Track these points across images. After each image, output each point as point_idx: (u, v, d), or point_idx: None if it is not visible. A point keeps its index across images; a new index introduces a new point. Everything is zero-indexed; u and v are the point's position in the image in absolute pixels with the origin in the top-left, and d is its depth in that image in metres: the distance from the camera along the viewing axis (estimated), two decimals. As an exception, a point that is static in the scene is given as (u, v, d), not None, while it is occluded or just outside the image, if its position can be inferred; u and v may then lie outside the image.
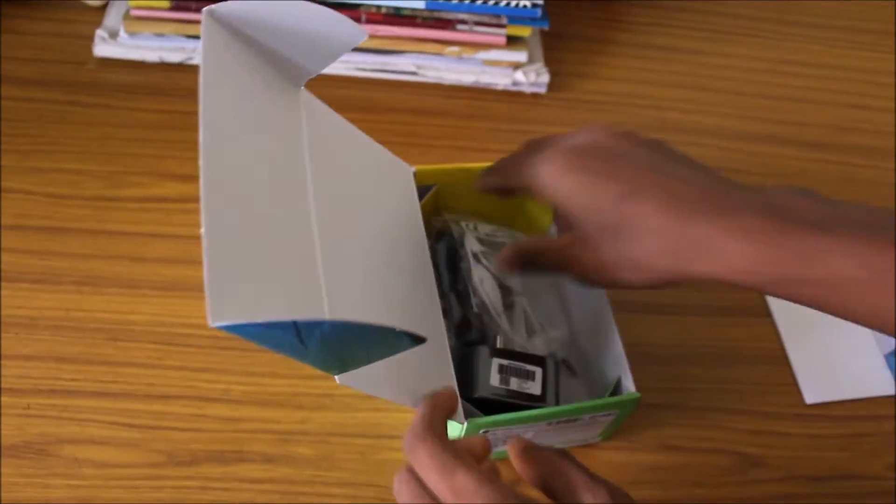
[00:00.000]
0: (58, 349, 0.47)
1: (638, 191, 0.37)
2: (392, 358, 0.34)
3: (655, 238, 0.37)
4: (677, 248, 0.36)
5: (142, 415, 0.46)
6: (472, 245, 0.47)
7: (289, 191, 0.36)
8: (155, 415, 0.46)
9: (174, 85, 0.60)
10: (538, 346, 0.46)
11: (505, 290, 0.46)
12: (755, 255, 0.35)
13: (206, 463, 0.44)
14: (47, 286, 0.49)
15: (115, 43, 0.60)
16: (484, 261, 0.46)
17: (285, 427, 0.46)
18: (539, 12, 0.61)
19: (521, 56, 0.63)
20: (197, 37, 0.60)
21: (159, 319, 0.49)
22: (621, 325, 0.45)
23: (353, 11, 0.59)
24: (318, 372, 0.48)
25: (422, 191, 0.47)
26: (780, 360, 0.53)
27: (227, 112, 0.33)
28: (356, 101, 0.62)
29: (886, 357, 0.53)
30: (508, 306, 0.46)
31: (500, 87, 0.64)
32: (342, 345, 0.31)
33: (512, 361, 0.42)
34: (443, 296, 0.46)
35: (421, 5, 0.60)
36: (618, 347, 0.44)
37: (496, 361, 0.42)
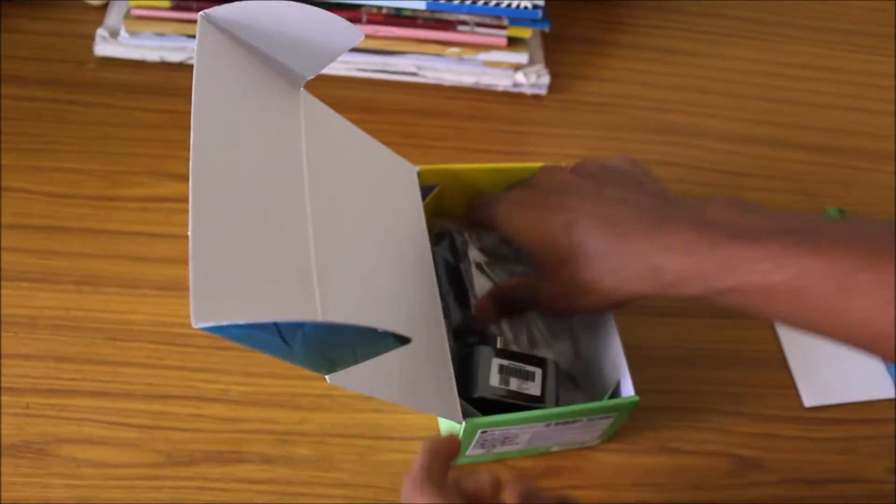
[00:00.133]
0: (57, 349, 0.47)
1: (580, 219, 0.40)
2: (391, 358, 0.34)
3: (598, 261, 0.40)
4: (617, 268, 0.39)
5: (141, 415, 0.46)
6: (474, 255, 0.47)
7: (284, 192, 0.35)
8: (154, 415, 0.46)
9: (175, 84, 0.60)
10: None
11: None
12: (685, 268, 0.37)
13: (204, 463, 0.44)
14: (47, 285, 0.49)
15: (115, 42, 0.60)
16: (487, 270, 0.46)
17: (284, 428, 0.46)
18: (540, 14, 0.61)
19: (521, 57, 0.63)
20: (198, 37, 0.60)
21: (159, 319, 0.49)
22: (621, 327, 0.45)
23: (353, 12, 0.59)
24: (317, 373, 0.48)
25: (424, 191, 0.47)
26: (779, 362, 0.53)
27: (218, 114, 0.33)
28: (356, 101, 0.62)
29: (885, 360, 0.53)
30: (515, 321, 0.46)
31: (500, 89, 0.64)
32: (328, 345, 0.31)
33: (512, 362, 0.42)
34: (442, 297, 0.46)
35: (422, 6, 0.60)
36: (618, 350, 0.44)
37: (496, 361, 0.42)
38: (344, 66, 0.62)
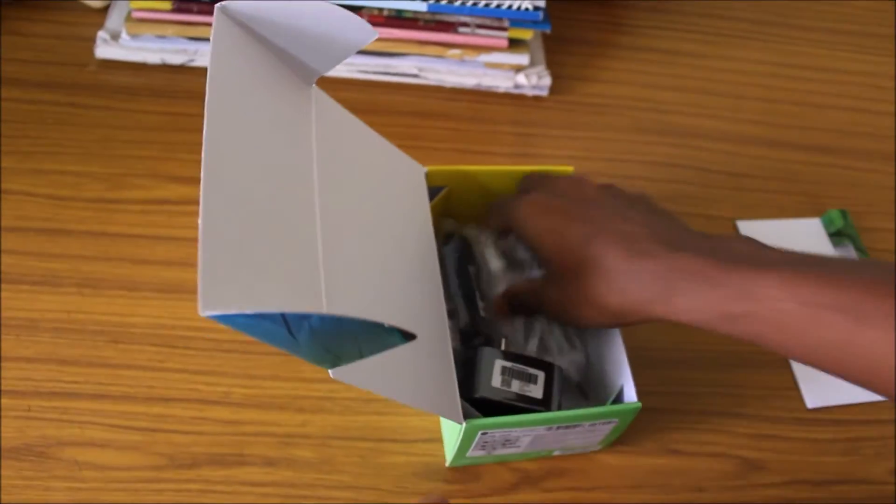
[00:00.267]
0: (58, 351, 0.47)
1: (599, 233, 0.40)
2: (394, 356, 0.34)
3: (608, 277, 0.40)
4: (627, 287, 0.39)
5: (142, 417, 0.46)
6: (492, 261, 0.47)
7: (293, 185, 0.36)
8: (156, 417, 0.46)
9: (176, 87, 0.60)
10: None
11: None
12: (699, 292, 0.38)
13: (206, 466, 0.44)
14: (48, 288, 0.49)
15: (116, 45, 0.60)
16: (502, 272, 0.47)
17: (286, 430, 0.46)
18: (541, 15, 0.61)
19: (522, 59, 0.63)
20: (199, 38, 0.60)
21: (160, 322, 0.49)
22: (624, 329, 0.45)
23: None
24: (319, 375, 0.48)
25: (432, 192, 0.47)
26: (782, 364, 0.53)
27: (231, 105, 0.33)
28: (358, 103, 0.61)
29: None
30: (528, 327, 0.46)
31: (501, 90, 0.64)
32: (333, 339, 0.31)
33: (515, 364, 0.42)
34: (450, 298, 0.46)
35: (423, 8, 0.60)
36: (621, 354, 0.44)
37: (499, 363, 0.42)
38: (345, 68, 0.62)
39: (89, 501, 0.43)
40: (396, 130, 0.61)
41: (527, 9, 0.60)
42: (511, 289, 0.46)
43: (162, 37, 0.60)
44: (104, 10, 0.63)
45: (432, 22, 0.61)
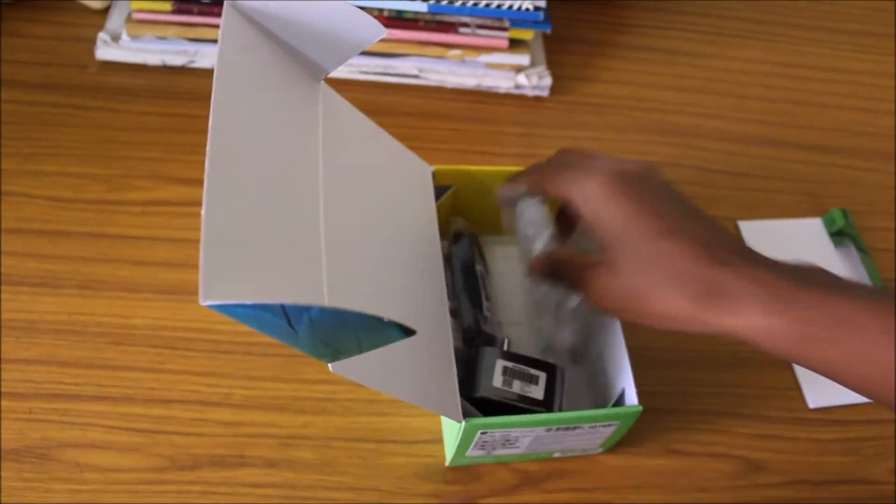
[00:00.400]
0: (59, 353, 0.47)
1: (677, 231, 0.38)
2: (394, 352, 0.34)
3: (680, 279, 0.37)
4: (698, 292, 0.37)
5: (143, 419, 0.46)
6: (538, 218, 0.44)
7: (298, 180, 0.36)
8: (156, 419, 0.46)
9: (176, 88, 0.60)
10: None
11: None
12: (783, 312, 0.36)
13: (207, 467, 0.44)
14: (48, 290, 0.49)
15: (117, 46, 0.60)
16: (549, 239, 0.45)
17: (287, 431, 0.46)
18: (541, 16, 0.61)
19: (523, 59, 0.63)
20: (199, 40, 0.60)
21: (161, 323, 0.49)
22: (625, 329, 0.45)
23: (355, 14, 0.59)
24: (320, 376, 0.48)
25: (438, 191, 0.47)
26: (783, 364, 0.53)
27: (238, 99, 0.33)
28: (359, 104, 0.61)
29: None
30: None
31: (502, 91, 0.64)
32: (332, 332, 0.31)
33: (516, 364, 0.42)
34: (453, 297, 0.46)
35: (423, 8, 0.60)
36: (623, 356, 0.44)
37: (500, 363, 0.42)
38: (346, 69, 0.62)
39: (90, 503, 0.43)
40: (397, 131, 0.60)
41: (527, 9, 0.60)
42: (556, 253, 0.43)
43: (162, 38, 0.60)
44: (104, 12, 0.63)
45: (433, 22, 0.61)
